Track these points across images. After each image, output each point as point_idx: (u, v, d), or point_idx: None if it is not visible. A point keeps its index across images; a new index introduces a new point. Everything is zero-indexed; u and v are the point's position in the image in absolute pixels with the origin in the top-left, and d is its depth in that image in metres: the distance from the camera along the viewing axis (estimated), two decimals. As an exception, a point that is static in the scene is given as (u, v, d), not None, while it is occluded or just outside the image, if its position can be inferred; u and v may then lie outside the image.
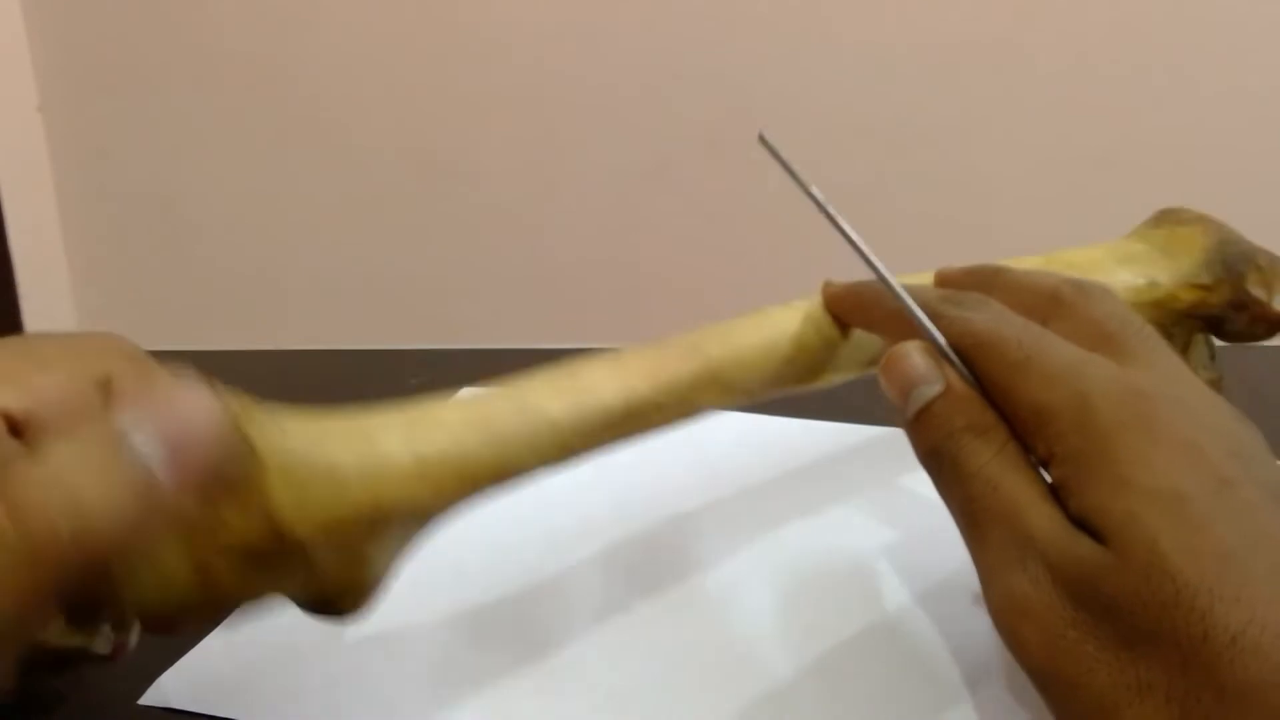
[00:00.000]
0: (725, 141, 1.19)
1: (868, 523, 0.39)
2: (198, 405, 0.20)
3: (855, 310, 0.33)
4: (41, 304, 1.30)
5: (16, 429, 0.21)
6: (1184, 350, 0.37)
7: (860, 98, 1.15)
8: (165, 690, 0.30)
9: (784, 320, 0.33)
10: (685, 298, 1.25)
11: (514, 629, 0.33)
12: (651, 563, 0.36)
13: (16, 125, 1.29)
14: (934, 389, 0.26)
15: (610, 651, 0.32)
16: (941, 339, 0.27)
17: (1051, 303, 0.29)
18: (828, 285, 0.34)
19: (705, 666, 0.31)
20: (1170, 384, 0.25)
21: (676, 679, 0.31)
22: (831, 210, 0.30)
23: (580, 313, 1.27)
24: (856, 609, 0.34)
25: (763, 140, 0.30)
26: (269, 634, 0.30)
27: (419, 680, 0.31)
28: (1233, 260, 0.36)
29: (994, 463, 0.25)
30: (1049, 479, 0.25)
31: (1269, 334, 0.38)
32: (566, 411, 0.27)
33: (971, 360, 0.27)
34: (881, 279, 0.29)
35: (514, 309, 1.28)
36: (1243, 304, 0.36)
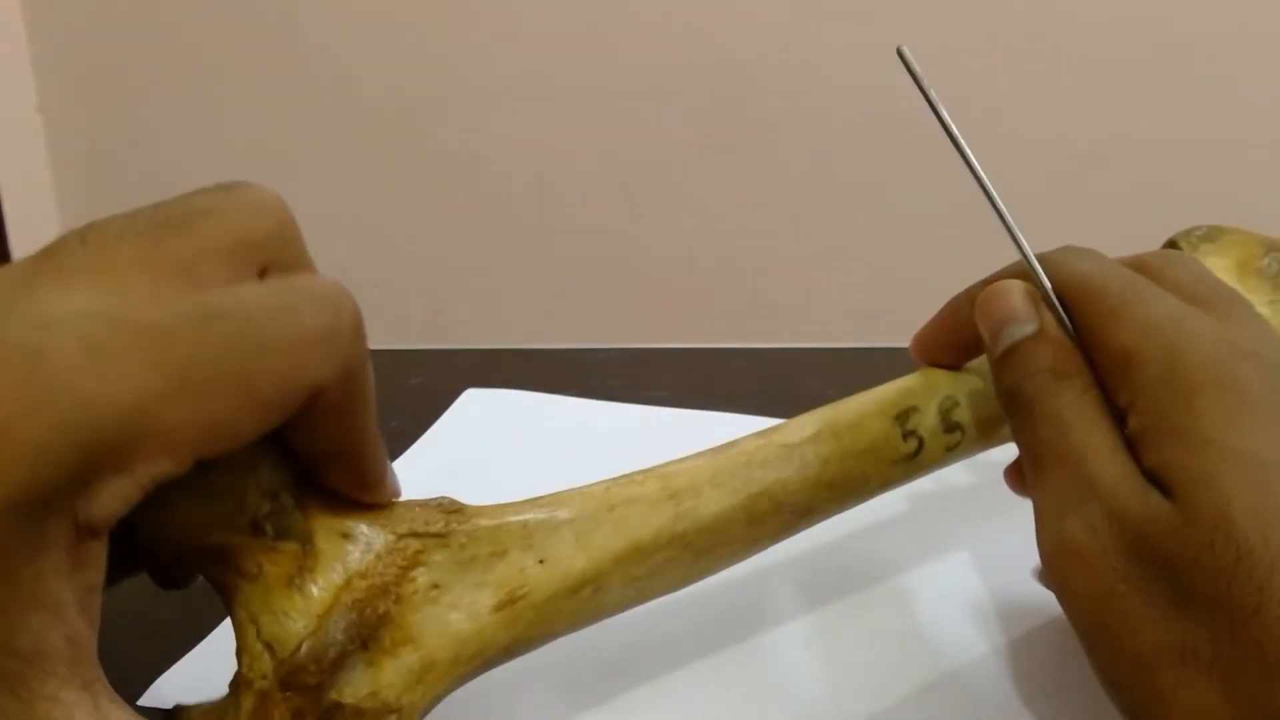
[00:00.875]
0: (728, 140, 1.19)
1: (886, 525, 0.39)
2: None
3: (953, 326, 0.31)
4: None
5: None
6: None
7: (867, 95, 1.15)
8: (164, 691, 0.30)
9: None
10: (687, 298, 1.25)
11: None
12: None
13: (16, 125, 1.28)
14: (1026, 329, 0.26)
15: (625, 652, 0.32)
16: (1047, 282, 0.27)
17: (1138, 269, 0.28)
18: (914, 339, 0.33)
19: (726, 672, 0.31)
20: (1267, 345, 0.25)
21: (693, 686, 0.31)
22: (958, 135, 0.29)
23: (581, 313, 1.27)
24: (874, 618, 0.34)
25: (900, 55, 0.29)
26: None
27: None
28: None
29: (1070, 407, 0.25)
30: (1127, 431, 0.24)
31: None
32: (627, 597, 0.28)
33: (1072, 304, 0.27)
34: (998, 212, 0.28)
35: (514, 309, 1.28)
36: None
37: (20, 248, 1.28)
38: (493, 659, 0.26)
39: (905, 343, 0.33)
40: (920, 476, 0.32)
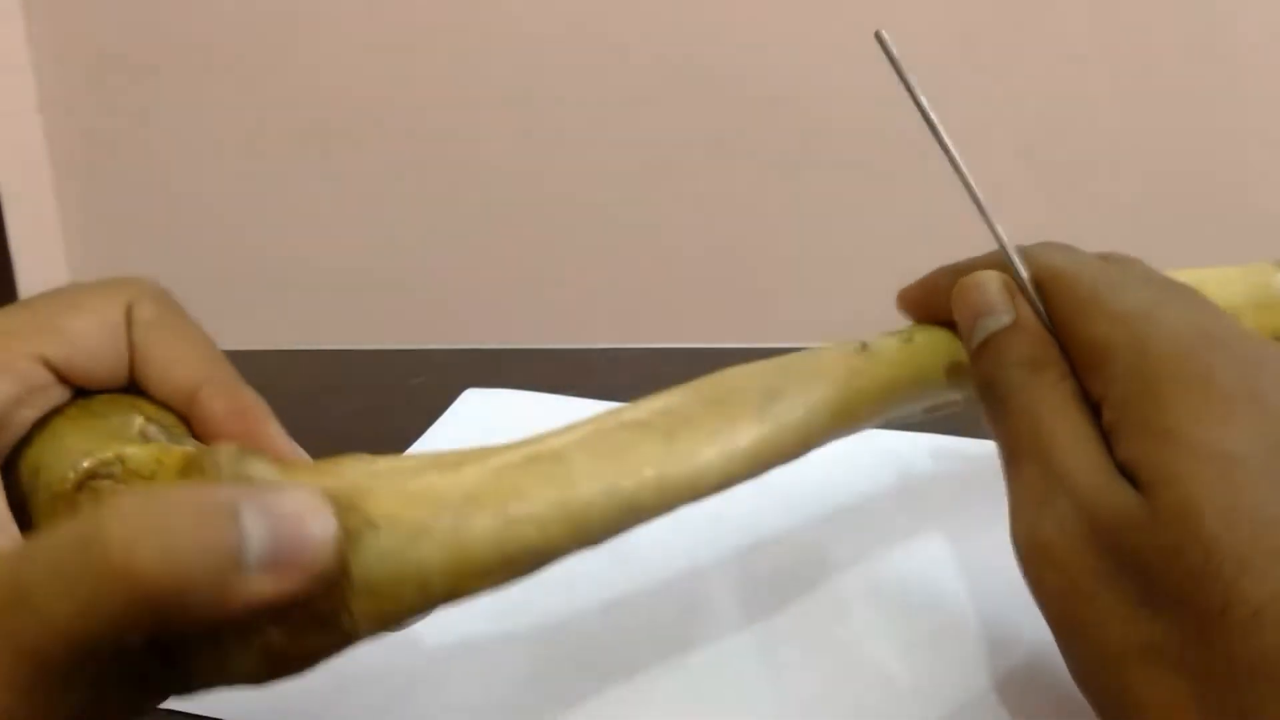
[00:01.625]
0: (729, 140, 1.19)
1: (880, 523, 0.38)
2: (316, 514, 0.19)
3: (932, 298, 0.30)
4: (41, 304, 1.29)
5: (61, 375, 0.24)
6: None
7: (871, 95, 1.15)
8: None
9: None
10: (688, 298, 1.25)
11: (528, 628, 0.33)
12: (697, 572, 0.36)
13: (16, 125, 1.28)
14: (1002, 320, 0.26)
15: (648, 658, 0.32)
16: (1024, 271, 0.27)
17: None
18: (901, 292, 0.32)
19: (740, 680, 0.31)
20: (1236, 334, 0.24)
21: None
22: (936, 122, 0.29)
23: (580, 313, 1.27)
24: (861, 616, 0.34)
25: (879, 39, 0.29)
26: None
27: (420, 679, 0.31)
28: None
29: (1044, 399, 0.24)
30: (1103, 423, 0.24)
31: None
32: (657, 499, 0.25)
33: (1047, 295, 0.26)
34: (975, 201, 0.28)
35: (514, 309, 1.28)
36: None
37: (20, 248, 1.28)
38: (463, 511, 0.22)
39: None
40: (911, 394, 0.29)
